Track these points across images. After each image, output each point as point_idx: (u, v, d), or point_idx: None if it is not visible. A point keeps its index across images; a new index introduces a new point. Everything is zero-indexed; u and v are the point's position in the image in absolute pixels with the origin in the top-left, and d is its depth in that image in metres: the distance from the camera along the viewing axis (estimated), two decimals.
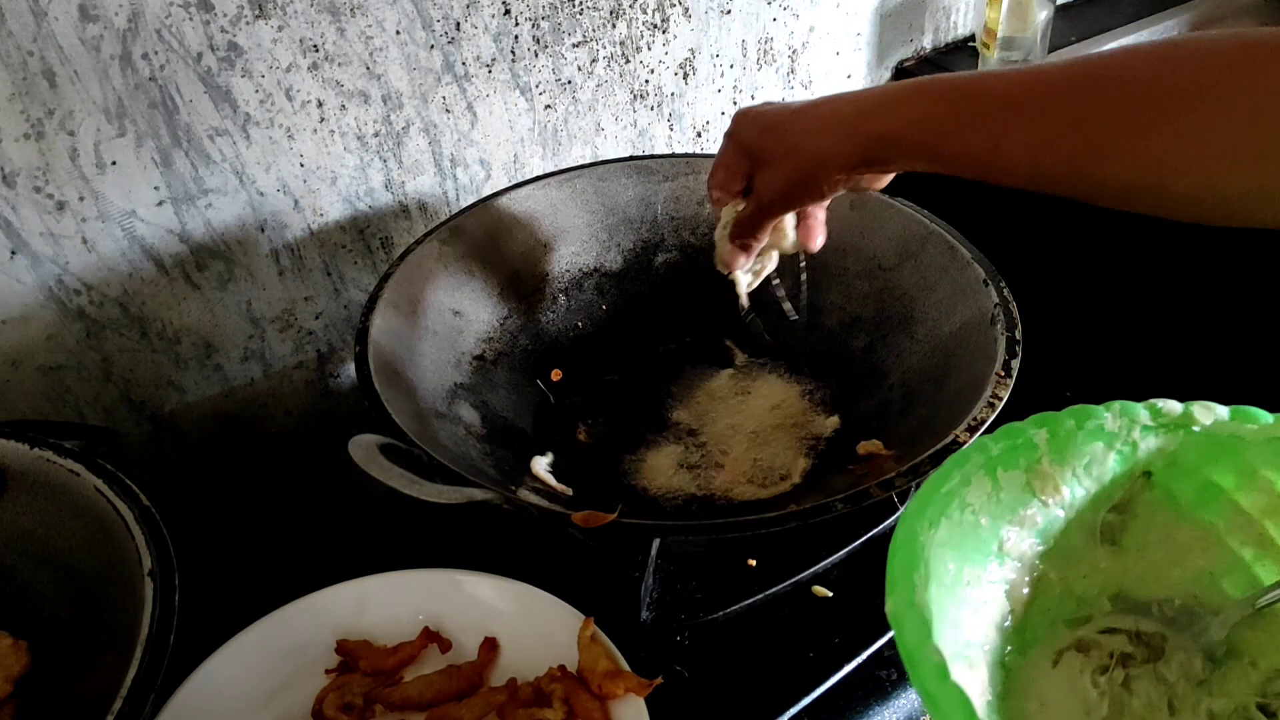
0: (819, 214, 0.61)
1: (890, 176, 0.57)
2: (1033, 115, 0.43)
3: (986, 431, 0.55)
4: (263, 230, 0.73)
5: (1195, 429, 0.50)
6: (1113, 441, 0.50)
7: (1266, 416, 0.50)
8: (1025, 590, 0.50)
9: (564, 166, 0.82)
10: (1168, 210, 0.42)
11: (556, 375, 0.75)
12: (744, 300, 0.65)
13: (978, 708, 0.37)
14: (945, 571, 0.45)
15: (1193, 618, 0.49)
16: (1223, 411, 0.50)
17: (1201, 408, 0.50)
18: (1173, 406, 0.50)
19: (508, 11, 0.76)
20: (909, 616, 0.40)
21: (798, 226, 0.61)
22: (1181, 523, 0.51)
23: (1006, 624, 0.49)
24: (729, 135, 0.58)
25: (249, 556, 0.66)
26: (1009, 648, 0.48)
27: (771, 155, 0.54)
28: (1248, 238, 0.82)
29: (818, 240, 0.61)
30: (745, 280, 0.64)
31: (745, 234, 0.58)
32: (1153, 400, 0.51)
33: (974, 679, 0.45)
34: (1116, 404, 0.50)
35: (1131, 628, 0.49)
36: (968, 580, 0.47)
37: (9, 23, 0.57)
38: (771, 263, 0.65)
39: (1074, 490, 0.51)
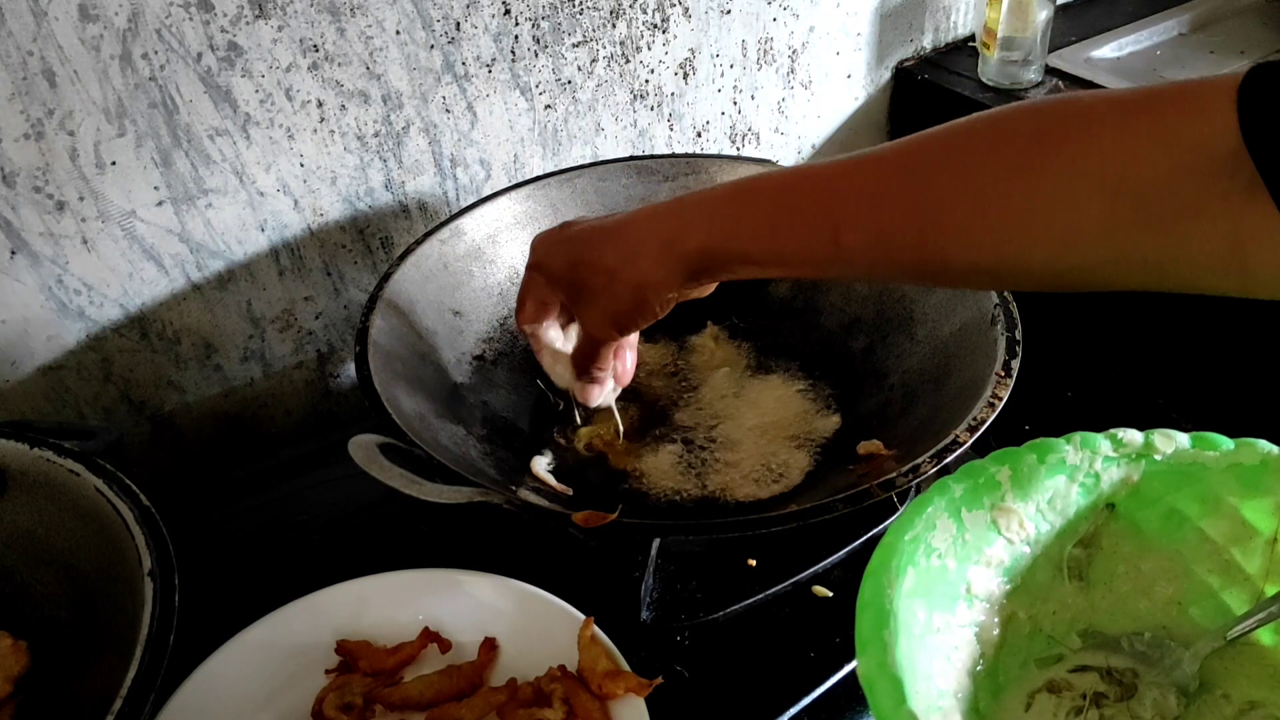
0: (633, 338, 0.57)
1: (715, 286, 0.52)
2: (870, 203, 0.40)
3: (985, 432, 0.55)
4: (263, 230, 0.73)
5: (1157, 458, 0.50)
6: (1075, 474, 0.50)
7: (1227, 443, 0.49)
8: (995, 632, 0.50)
9: (564, 166, 0.82)
10: (1035, 285, 0.39)
11: None
12: (578, 418, 0.65)
13: None
14: (915, 621, 0.45)
15: (1164, 651, 0.49)
16: (1183, 439, 0.50)
17: (1162, 436, 0.50)
18: (1133, 436, 0.50)
19: (508, 11, 0.76)
20: (881, 680, 0.40)
21: (615, 355, 0.57)
22: (1147, 553, 0.51)
23: (978, 669, 0.49)
24: (533, 267, 0.54)
25: (249, 556, 0.66)
26: (982, 694, 0.48)
27: (590, 286, 0.49)
28: None
29: (629, 375, 0.59)
30: (602, 395, 0.60)
31: (587, 368, 0.56)
32: (1113, 430, 0.50)
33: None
34: (1077, 435, 0.50)
35: (1103, 664, 0.49)
36: (938, 627, 0.47)
37: (9, 23, 0.57)
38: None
39: (1039, 526, 0.51)
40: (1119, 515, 0.51)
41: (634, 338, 0.58)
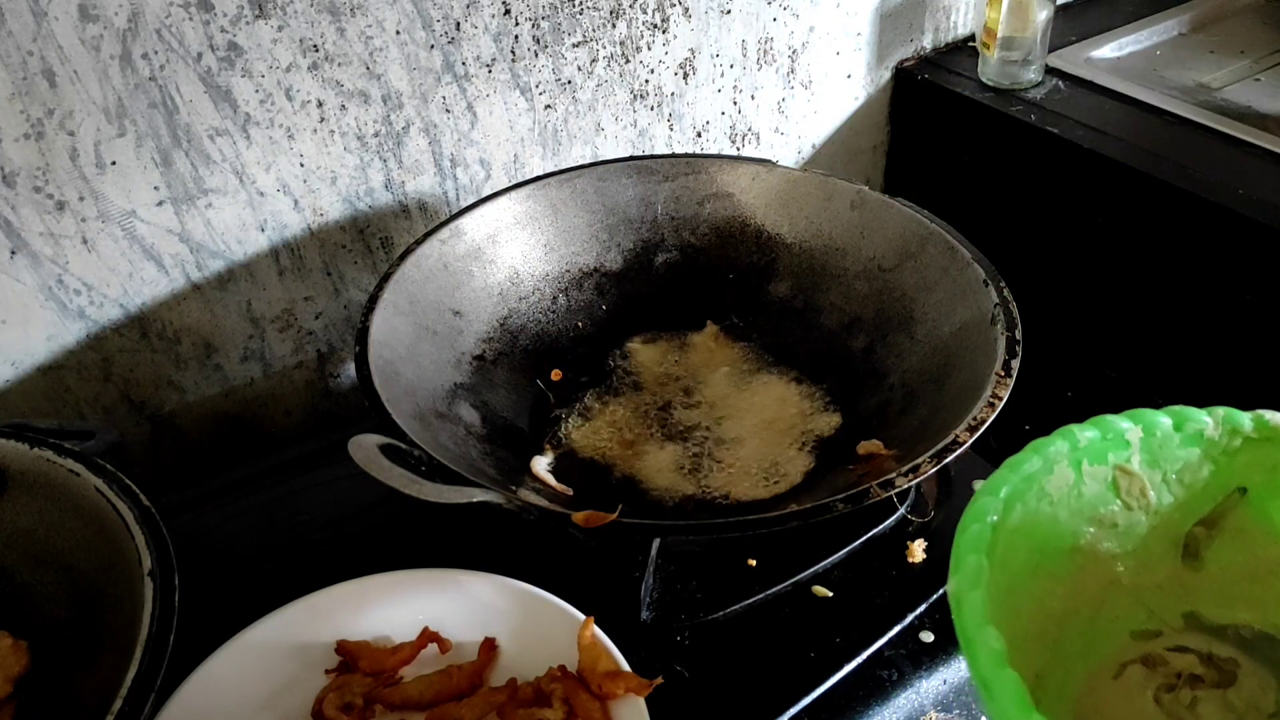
0: None
1: None
2: None
3: (984, 433, 0.55)
4: (263, 230, 0.73)
5: None
6: (1211, 450, 0.47)
7: None
8: (1094, 593, 0.47)
9: (564, 166, 0.82)
10: None
11: (557, 375, 0.75)
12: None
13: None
14: (1014, 559, 0.43)
15: (1271, 645, 0.46)
16: None
17: None
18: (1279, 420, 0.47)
19: (508, 11, 0.76)
20: (969, 600, 0.38)
21: None
22: (1272, 544, 0.48)
23: (1070, 625, 0.47)
24: None
25: (249, 556, 0.66)
26: (1069, 649, 0.46)
27: None
28: (1249, 239, 0.82)
29: None
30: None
31: None
32: (1259, 411, 0.47)
33: (1029, 674, 0.42)
34: (1220, 410, 0.47)
35: (1204, 649, 0.47)
36: (1035, 571, 0.45)
37: (9, 23, 0.57)
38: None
39: (1161, 496, 0.48)
40: (1250, 500, 0.48)
41: None
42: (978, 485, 0.44)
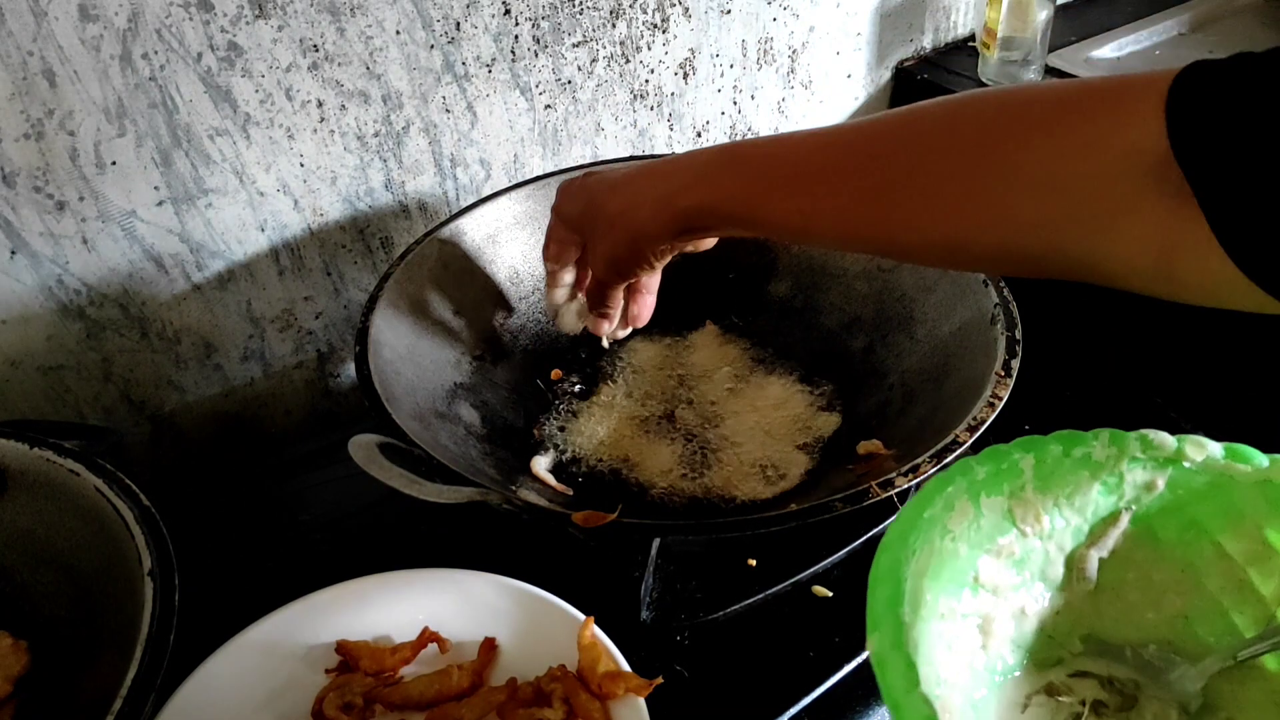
0: (651, 285, 0.62)
1: (715, 239, 0.58)
2: (836, 184, 0.43)
3: (984, 434, 0.55)
4: (263, 230, 0.73)
5: (1185, 465, 0.48)
6: (1099, 472, 0.49)
7: (1261, 458, 0.47)
8: (996, 626, 0.48)
9: (564, 166, 0.82)
10: (985, 267, 0.42)
11: (556, 375, 0.75)
12: (606, 343, 0.70)
13: None
14: (922, 603, 0.44)
15: (1168, 665, 0.47)
16: (1216, 449, 0.48)
17: (1193, 444, 0.48)
18: (1164, 439, 0.48)
19: (508, 11, 0.76)
20: (894, 660, 0.39)
21: (627, 301, 0.62)
22: (1161, 562, 0.49)
23: (976, 662, 0.47)
24: (555, 210, 0.59)
25: (249, 556, 0.66)
26: (979, 687, 0.47)
27: (595, 231, 0.55)
28: None
29: (644, 317, 0.63)
30: (610, 330, 0.64)
31: (597, 305, 0.60)
32: (1143, 431, 0.49)
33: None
34: (1105, 432, 0.49)
35: (1104, 672, 0.48)
36: (942, 612, 0.46)
37: (9, 23, 0.57)
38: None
39: (1054, 521, 0.49)
40: (1137, 520, 0.49)
41: (653, 283, 0.62)
42: (887, 525, 0.45)
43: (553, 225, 0.60)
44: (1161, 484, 0.49)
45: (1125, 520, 0.50)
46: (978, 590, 0.48)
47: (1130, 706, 0.47)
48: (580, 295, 0.64)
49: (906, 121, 0.42)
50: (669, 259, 0.54)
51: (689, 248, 0.56)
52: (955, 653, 0.46)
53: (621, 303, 0.61)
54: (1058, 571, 0.50)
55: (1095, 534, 0.50)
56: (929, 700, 0.37)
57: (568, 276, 0.63)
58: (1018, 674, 0.49)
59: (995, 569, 0.48)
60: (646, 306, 0.63)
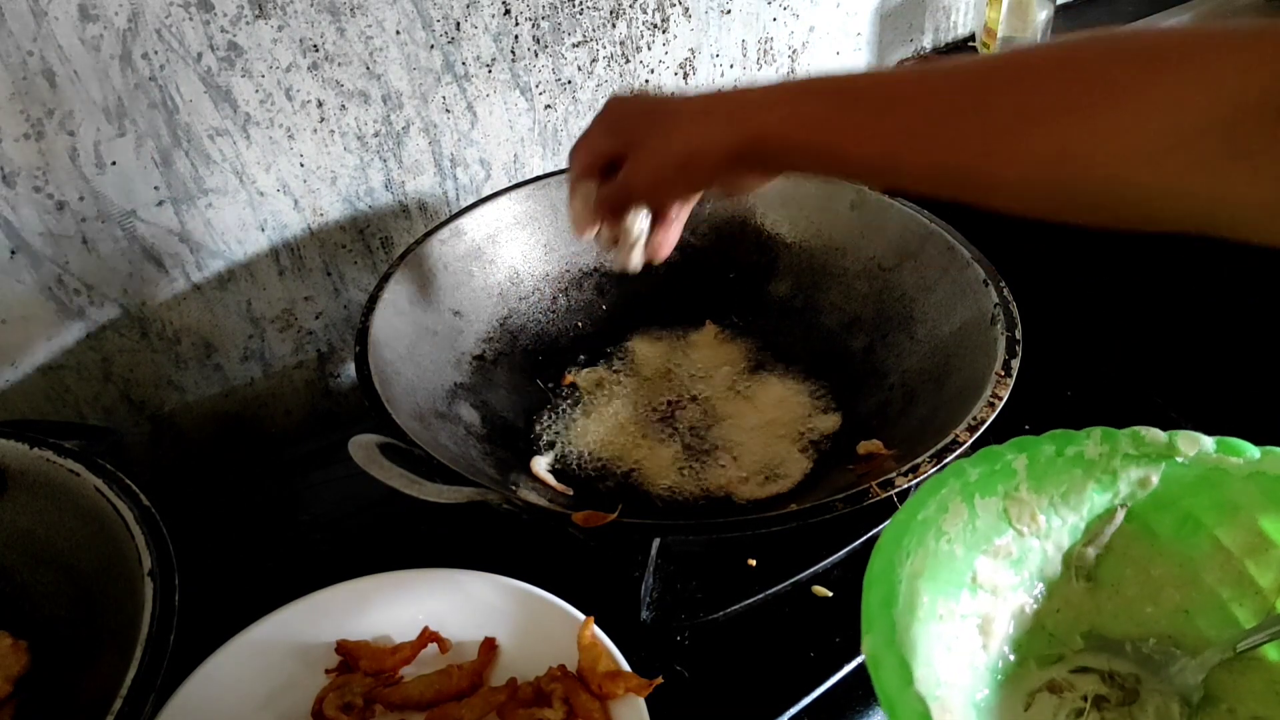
0: (681, 216, 0.57)
1: (767, 183, 0.52)
2: (936, 116, 0.40)
3: (984, 433, 0.55)
4: (263, 230, 0.73)
5: (1178, 460, 0.48)
6: (1092, 469, 0.49)
7: (1253, 450, 0.48)
8: (996, 626, 0.49)
9: (564, 166, 0.82)
10: (1081, 210, 0.39)
11: (568, 380, 0.75)
12: (633, 264, 0.58)
13: None
14: (919, 604, 0.44)
15: (1168, 658, 0.48)
16: (1208, 443, 0.48)
17: (1185, 438, 0.48)
18: (1156, 435, 0.48)
19: (508, 11, 0.76)
20: (888, 659, 0.39)
21: (653, 229, 0.56)
22: (1158, 557, 0.50)
23: (977, 662, 0.48)
24: (599, 118, 0.53)
25: (249, 556, 0.66)
26: (981, 688, 0.47)
27: (644, 139, 0.50)
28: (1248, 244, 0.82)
29: (667, 249, 0.57)
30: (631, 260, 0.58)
31: (606, 212, 0.54)
32: (1135, 428, 0.49)
33: None
34: (1098, 430, 0.49)
35: (1104, 668, 0.48)
36: (940, 614, 0.46)
37: (9, 23, 0.57)
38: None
39: (1050, 520, 0.49)
40: (1133, 516, 0.50)
41: (684, 214, 0.57)
42: (883, 529, 0.45)
43: (590, 131, 0.54)
44: (1155, 479, 0.49)
45: (1121, 517, 0.50)
46: (976, 591, 0.48)
47: (1132, 700, 0.47)
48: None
49: (1011, 56, 0.40)
50: (706, 188, 0.50)
51: (734, 186, 0.52)
52: (955, 654, 0.46)
53: (637, 227, 0.55)
54: (1056, 570, 0.50)
55: (1092, 531, 0.50)
56: (923, 698, 0.37)
57: (589, 187, 0.56)
58: (1019, 672, 0.49)
59: (993, 569, 0.49)
60: (671, 237, 0.57)
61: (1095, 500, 0.50)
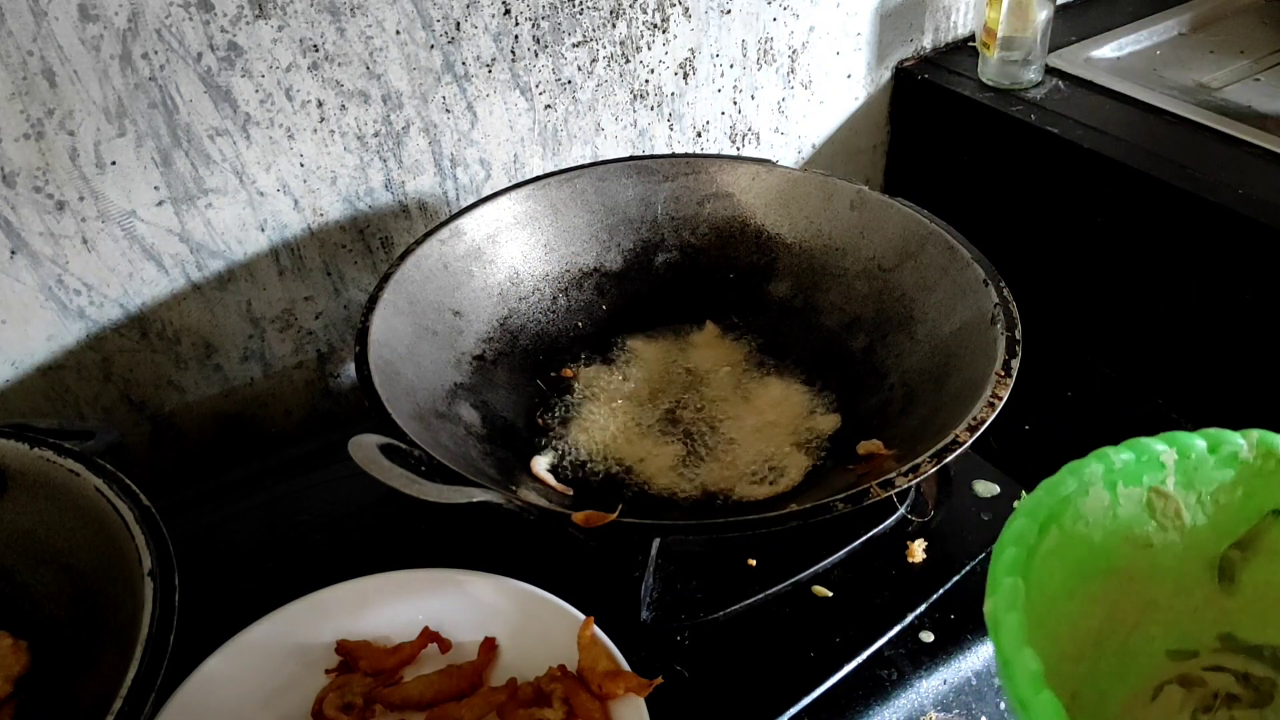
0: None
1: None
2: None
3: (985, 433, 0.55)
4: (263, 230, 0.73)
5: None
6: (1245, 472, 0.47)
7: None
8: (1130, 615, 0.47)
9: (564, 166, 0.82)
10: None
11: (568, 373, 0.75)
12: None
13: None
14: (1050, 580, 0.43)
15: None
16: None
17: None
18: None
19: (508, 11, 0.76)
20: (1007, 620, 0.38)
21: None
22: None
23: (1106, 646, 0.46)
24: None
25: (249, 556, 0.66)
26: (1106, 671, 0.46)
27: None
28: (1249, 239, 0.82)
29: None
30: None
31: None
32: None
33: (1065, 695, 0.42)
34: (1255, 433, 0.47)
35: (1240, 669, 0.47)
36: (1071, 593, 0.45)
37: (9, 23, 0.57)
38: None
39: (1195, 518, 0.47)
40: None
41: None
42: (1017, 505, 0.44)
43: None
44: None
45: (1272, 521, 0.48)
46: (1110, 577, 0.47)
47: (1265, 703, 0.46)
48: None
49: None
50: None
51: None
52: (1080, 633, 0.45)
53: None
54: (1196, 568, 0.49)
55: (1238, 534, 0.48)
56: (1037, 659, 0.36)
57: None
58: (1148, 664, 0.48)
59: (1130, 560, 0.47)
60: None
61: (1245, 503, 0.48)
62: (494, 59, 0.78)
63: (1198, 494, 0.47)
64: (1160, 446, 0.46)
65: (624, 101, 0.88)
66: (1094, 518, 0.46)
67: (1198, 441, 0.47)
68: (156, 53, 0.62)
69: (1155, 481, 0.47)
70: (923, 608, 0.59)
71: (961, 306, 0.66)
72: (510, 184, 0.78)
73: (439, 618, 0.55)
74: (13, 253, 0.64)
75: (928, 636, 0.58)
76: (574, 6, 0.80)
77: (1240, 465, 0.47)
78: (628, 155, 0.85)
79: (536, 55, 0.80)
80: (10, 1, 0.57)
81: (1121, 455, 0.46)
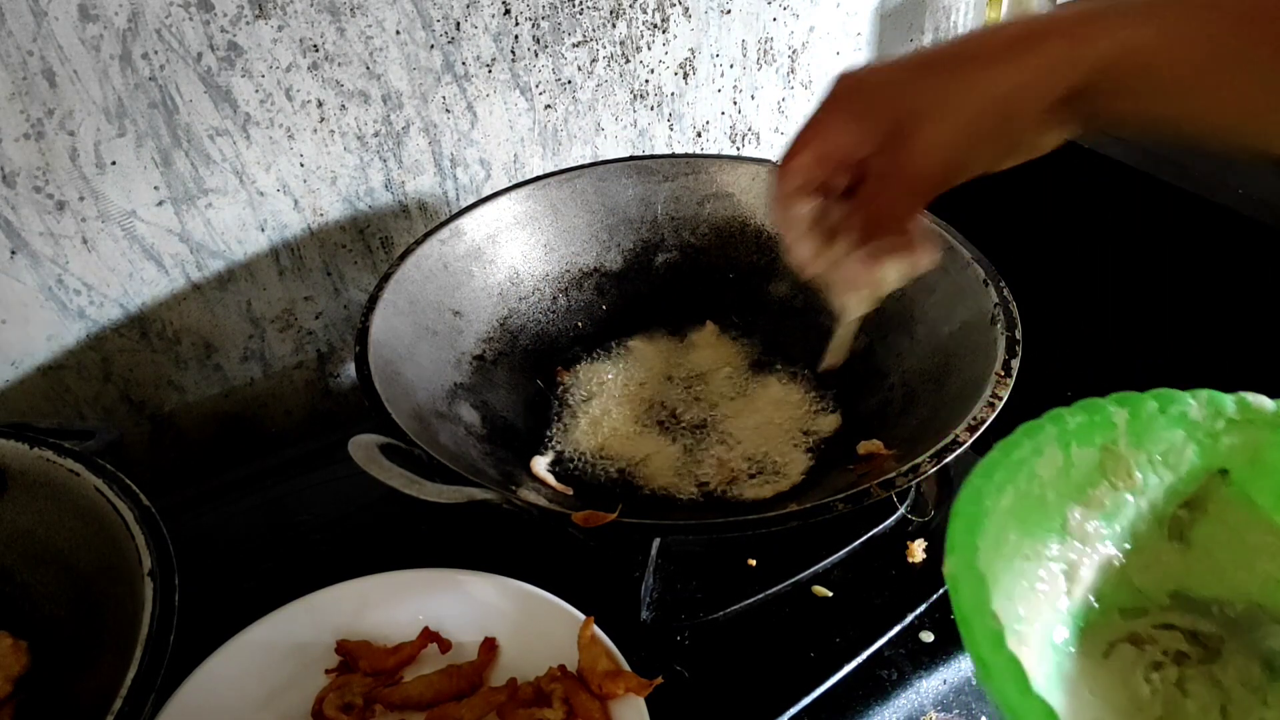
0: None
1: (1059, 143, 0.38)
2: None
3: (984, 433, 0.55)
4: (263, 230, 0.73)
5: None
6: (1194, 431, 0.48)
7: None
8: (1082, 573, 0.48)
9: (564, 166, 0.82)
10: None
11: (561, 373, 0.75)
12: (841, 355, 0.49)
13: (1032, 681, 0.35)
14: (1005, 541, 0.43)
15: (1255, 623, 0.47)
16: None
17: None
18: (1263, 402, 0.47)
19: (508, 11, 0.76)
20: (967, 579, 0.38)
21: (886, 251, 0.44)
22: (1254, 525, 0.48)
23: (1060, 605, 0.47)
24: (834, 102, 0.40)
25: (249, 556, 0.66)
26: (1060, 629, 0.47)
27: (931, 105, 0.37)
28: (1249, 239, 0.82)
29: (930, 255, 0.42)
30: (858, 307, 0.49)
31: (885, 230, 0.41)
32: (1242, 393, 0.48)
33: (1025, 655, 0.42)
34: (1204, 393, 0.48)
35: (1189, 626, 0.48)
36: (1026, 554, 0.45)
37: (9, 23, 0.57)
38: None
39: (1147, 477, 0.48)
40: (1232, 482, 0.49)
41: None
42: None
43: (823, 118, 0.40)
44: (1258, 447, 0.48)
45: (1220, 481, 0.49)
46: (1065, 538, 0.47)
47: (1213, 660, 0.47)
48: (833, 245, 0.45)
49: None
50: (1031, 150, 0.37)
51: (1019, 157, 0.39)
52: (1037, 593, 0.46)
53: (900, 270, 0.40)
54: (1148, 527, 0.49)
55: (1188, 493, 0.49)
56: (999, 619, 0.36)
57: (805, 206, 0.42)
58: (1101, 621, 0.48)
59: (1084, 519, 0.48)
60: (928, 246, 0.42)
61: (1195, 462, 0.48)
62: (494, 59, 0.78)
63: (1148, 454, 0.48)
64: (1112, 407, 0.47)
65: (624, 101, 0.88)
66: (1048, 477, 0.46)
67: (1149, 402, 0.47)
68: (156, 53, 0.62)
69: (1107, 441, 0.47)
70: (923, 608, 0.59)
71: (961, 306, 0.66)
72: (510, 184, 0.78)
73: (439, 618, 0.55)
74: (13, 253, 0.64)
75: (928, 636, 0.58)
76: (574, 6, 0.80)
77: (1190, 425, 0.48)
78: (628, 155, 0.85)
79: (536, 55, 0.80)
80: (10, 1, 0.57)
81: (1075, 417, 0.47)
